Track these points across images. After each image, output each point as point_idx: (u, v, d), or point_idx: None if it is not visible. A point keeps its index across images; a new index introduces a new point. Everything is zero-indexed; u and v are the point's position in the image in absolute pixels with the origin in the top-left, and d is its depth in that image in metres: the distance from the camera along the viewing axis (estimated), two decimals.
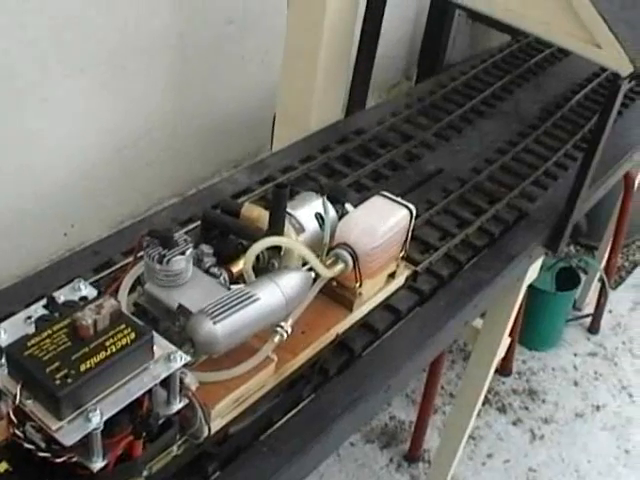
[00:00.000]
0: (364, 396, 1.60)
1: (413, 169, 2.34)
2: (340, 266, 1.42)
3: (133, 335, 1.07)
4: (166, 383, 1.12)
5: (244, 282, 1.34)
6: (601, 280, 3.73)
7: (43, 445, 1.08)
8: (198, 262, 1.30)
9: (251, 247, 1.27)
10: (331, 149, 2.31)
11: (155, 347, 1.10)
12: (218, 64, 2.76)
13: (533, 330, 3.56)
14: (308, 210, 1.48)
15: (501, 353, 2.60)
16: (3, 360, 1.06)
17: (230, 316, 1.18)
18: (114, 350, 1.04)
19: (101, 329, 1.06)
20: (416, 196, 2.17)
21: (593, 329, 3.88)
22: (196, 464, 1.32)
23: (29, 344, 1.03)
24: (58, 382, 0.99)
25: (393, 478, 3.05)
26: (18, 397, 1.01)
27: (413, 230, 1.60)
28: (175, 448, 1.22)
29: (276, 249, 1.38)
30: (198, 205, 1.98)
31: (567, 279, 3.62)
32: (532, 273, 2.36)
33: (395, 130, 2.49)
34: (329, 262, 1.42)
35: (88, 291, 1.19)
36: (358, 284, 1.46)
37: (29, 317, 1.13)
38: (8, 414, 1.07)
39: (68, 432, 1.00)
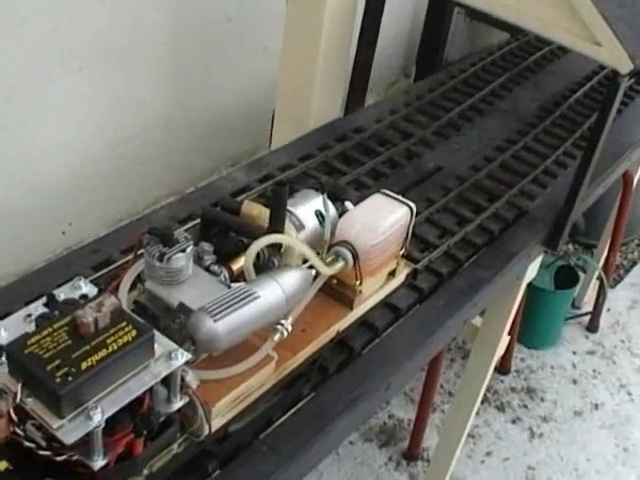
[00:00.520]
0: (364, 394, 1.59)
1: (412, 167, 2.33)
2: (340, 264, 1.42)
3: (134, 333, 1.06)
4: (167, 381, 1.11)
5: (244, 280, 1.34)
6: (600, 278, 3.73)
7: (43, 444, 1.07)
8: (198, 260, 1.29)
9: (252, 244, 1.27)
10: (330, 147, 2.30)
11: (156, 345, 1.09)
12: (215, 62, 2.76)
13: (532, 328, 3.56)
14: (308, 208, 1.48)
15: (500, 351, 2.59)
16: (3, 358, 1.06)
17: (231, 314, 1.18)
18: (115, 348, 1.04)
19: (102, 327, 1.06)
20: (415, 194, 2.16)
21: (592, 327, 3.88)
22: (196, 463, 1.32)
23: (29, 342, 1.03)
24: (59, 380, 0.99)
25: (392, 477, 3.04)
26: (19, 395, 1.01)
27: (413, 228, 1.59)
28: (175, 447, 1.22)
29: (276, 247, 1.38)
30: (197, 203, 1.97)
31: (566, 278, 3.62)
32: (532, 271, 2.36)
33: (394, 128, 2.49)
34: (329, 260, 1.41)
35: (88, 289, 1.19)
36: (358, 282, 1.46)
37: (29, 315, 1.13)
38: (8, 412, 1.07)
39: (69, 430, 1.00)
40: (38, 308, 1.14)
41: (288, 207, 1.40)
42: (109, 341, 1.05)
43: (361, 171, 2.23)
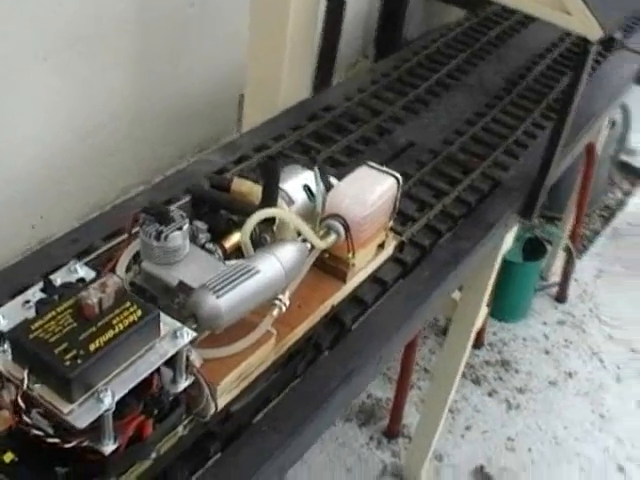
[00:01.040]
0: (357, 369, 1.59)
1: (385, 143, 2.33)
2: (333, 237, 1.41)
3: (139, 312, 1.04)
4: (172, 361, 1.09)
5: (236, 258, 1.32)
6: (567, 249, 3.77)
7: (51, 431, 1.05)
8: (193, 238, 1.27)
9: (248, 219, 1.25)
10: (302, 127, 2.29)
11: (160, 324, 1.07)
12: (180, 48, 2.72)
13: (503, 301, 3.58)
14: (296, 182, 1.46)
15: (479, 323, 2.61)
16: (5, 346, 1.03)
17: (232, 290, 1.16)
18: (121, 328, 1.02)
19: (106, 308, 1.03)
20: (391, 169, 2.15)
21: (560, 298, 3.93)
22: (200, 444, 1.30)
23: (33, 327, 1.00)
24: (68, 363, 0.96)
25: (374, 455, 3.05)
26: (25, 382, 0.98)
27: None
28: (181, 428, 1.20)
29: (268, 223, 1.36)
30: (175, 187, 1.94)
31: (533, 250, 3.65)
32: (508, 242, 2.38)
33: (363, 106, 2.48)
34: (321, 233, 1.40)
35: (85, 272, 1.16)
36: (351, 254, 1.45)
37: (27, 301, 1.10)
38: (14, 401, 1.04)
39: (80, 415, 0.97)
40: (36, 294, 1.11)
41: None
42: (115, 322, 1.02)
43: (335, 149, 2.21)
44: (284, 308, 1.29)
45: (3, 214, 2.29)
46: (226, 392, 1.23)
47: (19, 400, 0.99)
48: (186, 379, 1.12)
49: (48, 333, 1.00)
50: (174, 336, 1.08)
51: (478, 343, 3.54)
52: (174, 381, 1.11)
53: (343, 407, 1.64)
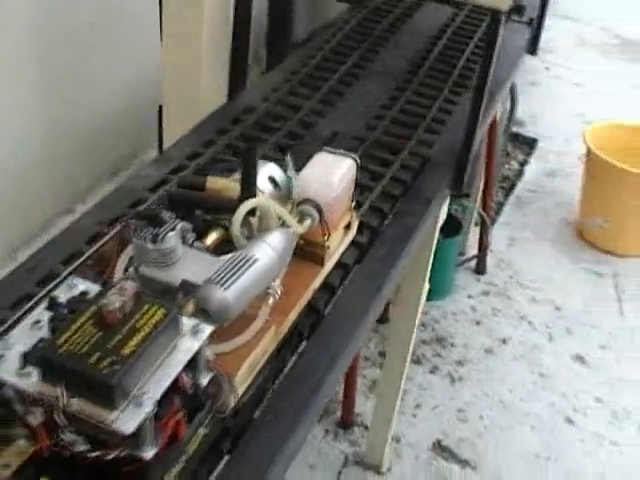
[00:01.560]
0: (339, 352, 1.61)
1: (311, 136, 2.36)
2: (308, 221, 1.43)
3: (161, 312, 1.04)
4: (193, 357, 1.09)
5: (220, 254, 1.33)
6: (481, 222, 3.89)
7: (84, 448, 1.03)
8: (182, 239, 1.27)
9: (237, 210, 1.26)
10: (229, 130, 2.29)
11: None
12: (85, 68, 2.68)
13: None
14: (262, 175, 1.48)
15: (423, 300, 2.67)
16: (29, 368, 1.01)
17: (237, 281, 1.17)
18: (148, 330, 1.01)
19: (127, 312, 1.03)
20: None
21: (480, 270, 4.05)
22: (216, 442, 1.30)
23: (59, 343, 0.99)
24: (106, 371, 0.96)
25: (333, 447, 3.07)
26: (62, 399, 0.96)
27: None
28: (202, 428, 1.20)
29: (245, 217, 1.37)
30: (118, 206, 1.92)
31: (448, 227, 3.74)
32: (442, 215, 2.45)
33: (282, 104, 2.51)
34: (297, 219, 1.42)
35: (86, 285, 1.14)
36: (326, 237, 1.47)
37: (37, 322, 1.08)
38: (46, 423, 1.02)
39: (125, 421, 0.96)
40: (42, 313, 1.09)
41: None
42: (139, 325, 1.02)
43: (266, 147, 2.23)
44: (277, 296, 1.31)
45: None
46: (240, 385, 1.23)
47: (59, 417, 0.97)
48: (207, 374, 1.12)
49: (76, 345, 0.99)
50: (194, 331, 1.08)
51: None
52: (196, 377, 1.11)
53: (333, 388, 1.67)
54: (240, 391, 1.26)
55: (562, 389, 3.40)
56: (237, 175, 1.39)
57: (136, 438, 1.01)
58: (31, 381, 1.00)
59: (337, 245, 1.56)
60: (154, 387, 1.00)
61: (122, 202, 1.94)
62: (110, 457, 1.02)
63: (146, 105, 2.78)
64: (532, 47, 3.41)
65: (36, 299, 1.38)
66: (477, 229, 4.08)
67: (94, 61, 2.71)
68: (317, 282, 1.50)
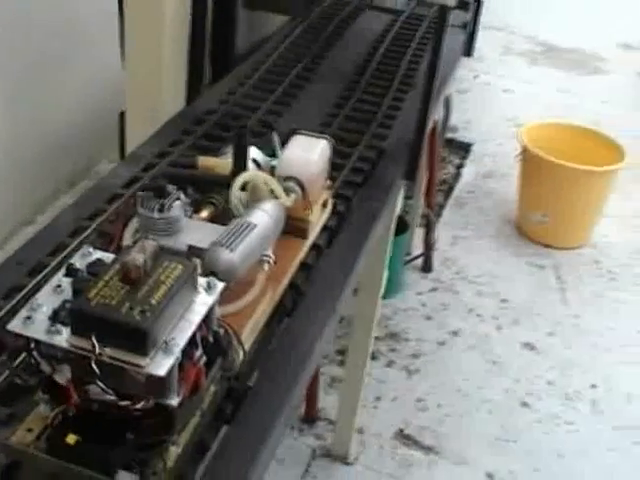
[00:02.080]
0: (323, 323, 1.70)
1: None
2: (293, 195, 1.52)
3: (180, 267, 1.11)
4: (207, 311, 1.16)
5: None
6: (426, 220, 4.03)
7: (114, 398, 1.10)
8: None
9: (234, 181, 1.34)
10: (193, 131, 2.37)
11: None
12: (42, 83, 2.73)
13: None
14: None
15: (382, 289, 2.78)
16: (58, 326, 1.07)
17: (241, 243, 1.25)
18: (170, 283, 1.09)
19: (149, 268, 1.10)
20: None
21: (427, 268, 4.18)
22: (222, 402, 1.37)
23: (89, 296, 1.05)
24: (139, 318, 1.03)
25: (300, 442, 3.15)
26: (97, 348, 1.03)
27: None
28: (213, 386, 1.27)
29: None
30: (93, 203, 1.98)
31: (395, 227, 3.86)
32: (399, 204, 2.56)
33: (239, 105, 2.59)
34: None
35: (100, 254, 1.21)
36: (309, 211, 1.57)
37: (59, 286, 1.14)
38: (73, 379, 1.09)
39: (157, 365, 1.03)
40: (62, 279, 1.15)
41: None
42: (162, 278, 1.09)
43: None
44: (272, 262, 1.39)
45: None
46: (246, 342, 1.31)
47: (92, 366, 1.03)
48: (220, 329, 1.20)
49: (106, 298, 1.05)
50: (208, 287, 1.15)
51: None
52: (211, 331, 1.18)
53: (321, 355, 1.75)
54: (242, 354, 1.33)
55: (515, 375, 3.54)
56: (226, 155, 1.48)
57: (163, 386, 1.09)
58: (61, 337, 1.07)
59: (317, 220, 1.65)
60: (180, 335, 1.08)
61: (98, 199, 1.99)
62: (139, 406, 1.09)
63: (101, 117, 2.84)
64: (467, 49, 3.57)
65: (50, 268, 1.43)
66: (421, 231, 4.20)
67: (51, 75, 2.76)
68: (302, 253, 1.59)
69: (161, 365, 1.04)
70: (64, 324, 1.07)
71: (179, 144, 2.29)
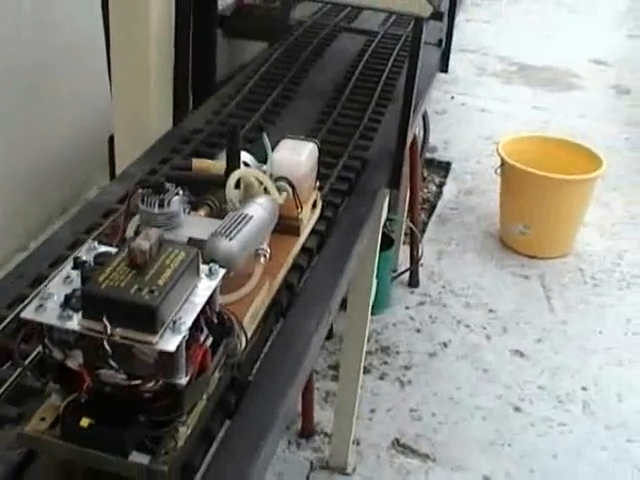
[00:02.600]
0: (317, 321, 1.76)
1: (259, 148, 2.52)
2: (284, 194, 1.59)
3: (182, 254, 1.17)
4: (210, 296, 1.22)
5: None
6: (411, 235, 4.10)
7: (125, 378, 1.15)
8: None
9: (229, 178, 1.41)
10: (181, 149, 2.44)
11: None
12: (31, 112, 2.80)
13: None
14: None
15: (372, 298, 2.84)
16: (67, 313, 1.13)
17: (239, 233, 1.31)
18: (175, 267, 1.15)
19: (154, 254, 1.16)
20: None
21: (413, 283, 4.24)
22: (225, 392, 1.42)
23: (99, 281, 1.11)
24: (147, 297, 1.08)
25: (297, 455, 3.18)
26: (108, 329, 1.08)
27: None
28: (217, 373, 1.32)
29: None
30: (90, 219, 2.05)
31: (380, 242, 3.94)
32: (384, 213, 2.64)
33: (225, 124, 2.66)
34: None
35: (105, 248, 1.26)
36: (300, 209, 1.63)
37: (67, 277, 1.19)
38: (86, 363, 1.14)
39: (166, 342, 1.09)
40: (70, 271, 1.21)
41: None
42: (167, 262, 1.15)
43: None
44: (267, 255, 1.46)
45: None
46: (247, 329, 1.37)
47: (105, 347, 1.09)
48: (222, 313, 1.26)
49: (115, 281, 1.11)
50: (210, 273, 1.21)
51: None
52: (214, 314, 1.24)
53: (317, 354, 1.81)
54: (244, 339, 1.39)
55: (506, 381, 3.60)
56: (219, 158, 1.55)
57: (172, 365, 1.14)
58: (73, 322, 1.12)
59: (308, 220, 1.72)
60: (185, 316, 1.13)
61: (94, 214, 2.06)
62: (149, 385, 1.14)
63: (90, 146, 2.91)
64: (443, 65, 3.67)
65: (50, 279, 1.48)
66: (406, 247, 4.27)
67: (39, 107, 2.83)
68: (295, 250, 1.65)
69: (170, 342, 1.09)
70: (75, 310, 1.13)
71: (169, 162, 2.36)
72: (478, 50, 7.50)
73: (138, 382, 1.14)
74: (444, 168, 5.55)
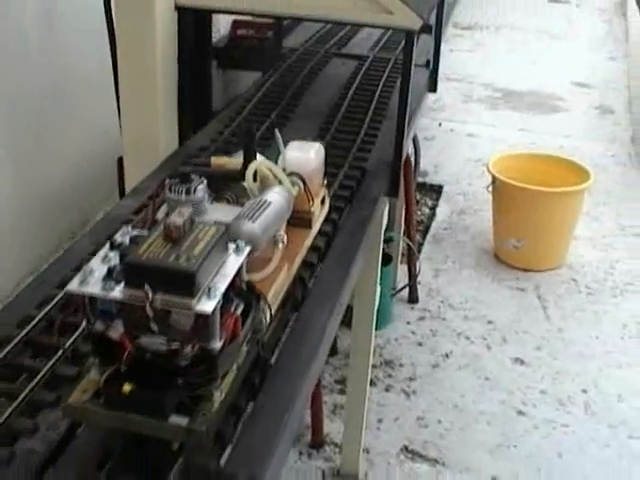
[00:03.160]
0: (330, 311, 1.87)
1: None
2: (297, 187, 1.71)
3: (212, 229, 1.28)
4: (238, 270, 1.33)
5: None
6: (408, 251, 4.22)
7: (164, 348, 1.25)
8: None
9: (248, 168, 1.53)
10: (190, 164, 2.56)
11: None
12: (44, 135, 2.92)
13: None
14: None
15: (376, 305, 2.95)
16: (109, 284, 1.23)
17: (261, 216, 1.43)
18: (207, 240, 1.26)
19: (187, 229, 1.27)
20: None
21: (413, 299, 4.34)
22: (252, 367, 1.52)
23: (140, 252, 1.22)
24: (186, 264, 1.19)
25: (309, 465, 3.26)
26: (150, 295, 1.19)
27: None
28: (244, 346, 1.42)
29: (241, 189, 1.63)
30: (105, 232, 2.15)
31: None
32: (384, 220, 2.76)
33: (230, 142, 2.79)
34: None
35: (138, 231, 1.37)
36: (311, 202, 1.75)
37: (106, 256, 1.29)
38: (127, 332, 1.24)
39: (204, 304, 1.19)
40: (108, 252, 1.31)
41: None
42: (199, 236, 1.26)
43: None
44: (285, 241, 1.57)
45: None
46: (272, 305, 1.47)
47: (148, 311, 1.19)
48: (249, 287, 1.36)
49: (154, 253, 1.22)
50: (237, 248, 1.32)
51: None
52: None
53: (332, 335, 1.91)
54: (269, 314, 1.49)
55: (508, 388, 3.69)
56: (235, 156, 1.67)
57: (207, 329, 1.24)
58: (116, 292, 1.22)
59: (318, 214, 1.83)
60: (218, 283, 1.24)
61: (111, 225, 2.17)
62: (187, 349, 1.24)
63: (97, 172, 3.02)
64: (432, 85, 3.81)
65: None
66: (404, 266, 4.38)
67: (48, 135, 2.96)
68: (309, 240, 1.76)
69: (207, 304, 1.20)
70: (117, 282, 1.23)
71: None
72: (463, 79, 7.68)
73: (177, 346, 1.23)
74: (436, 191, 5.68)
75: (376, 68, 3.74)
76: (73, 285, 1.24)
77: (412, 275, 4.29)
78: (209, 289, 1.21)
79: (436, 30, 3.59)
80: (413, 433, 3.43)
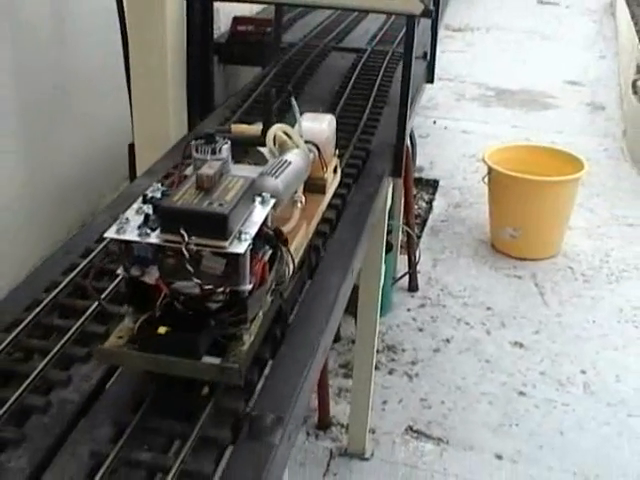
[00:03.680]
0: (343, 275, 1.95)
1: None
2: (312, 154, 1.79)
3: (241, 181, 1.37)
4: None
5: None
6: (407, 239, 4.30)
7: (197, 291, 1.33)
8: None
9: (269, 131, 1.61)
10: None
11: None
12: (54, 125, 3.00)
13: None
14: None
15: (380, 287, 3.03)
16: (145, 230, 1.31)
17: (283, 172, 1.51)
18: (237, 189, 1.34)
19: (217, 180, 1.35)
20: None
21: (413, 287, 4.43)
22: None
23: (175, 199, 1.30)
24: (218, 209, 1.27)
25: (317, 446, 3.33)
26: (186, 238, 1.27)
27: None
28: (268, 297, 1.50)
29: (260, 155, 1.72)
30: (126, 204, 2.22)
31: None
32: (388, 200, 2.84)
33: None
34: None
35: (166, 188, 1.45)
36: (325, 169, 1.83)
37: (139, 208, 1.37)
38: (162, 276, 1.32)
39: (236, 246, 1.28)
40: (142, 205, 1.39)
41: None
42: (229, 186, 1.34)
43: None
44: (303, 202, 1.65)
45: None
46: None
47: (184, 252, 1.27)
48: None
49: (188, 199, 1.30)
50: (263, 199, 1.40)
51: None
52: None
53: (345, 300, 1.99)
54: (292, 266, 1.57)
55: (509, 370, 3.77)
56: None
57: (237, 273, 1.32)
58: (152, 237, 1.30)
59: (331, 181, 1.91)
60: (248, 228, 1.32)
61: (129, 201, 2.23)
62: (219, 290, 1.32)
63: (107, 165, 3.10)
64: (429, 76, 3.91)
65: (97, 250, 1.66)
66: (403, 257, 4.47)
67: (58, 125, 3.04)
68: (323, 205, 1.85)
69: (239, 246, 1.28)
70: (152, 229, 1.31)
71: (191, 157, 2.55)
72: (455, 78, 7.79)
73: (210, 287, 1.31)
74: (432, 186, 5.78)
75: (375, 60, 3.83)
76: (111, 232, 1.32)
77: (412, 263, 4.38)
78: (240, 233, 1.29)
79: (434, 20, 3.68)
80: (417, 414, 3.51)
